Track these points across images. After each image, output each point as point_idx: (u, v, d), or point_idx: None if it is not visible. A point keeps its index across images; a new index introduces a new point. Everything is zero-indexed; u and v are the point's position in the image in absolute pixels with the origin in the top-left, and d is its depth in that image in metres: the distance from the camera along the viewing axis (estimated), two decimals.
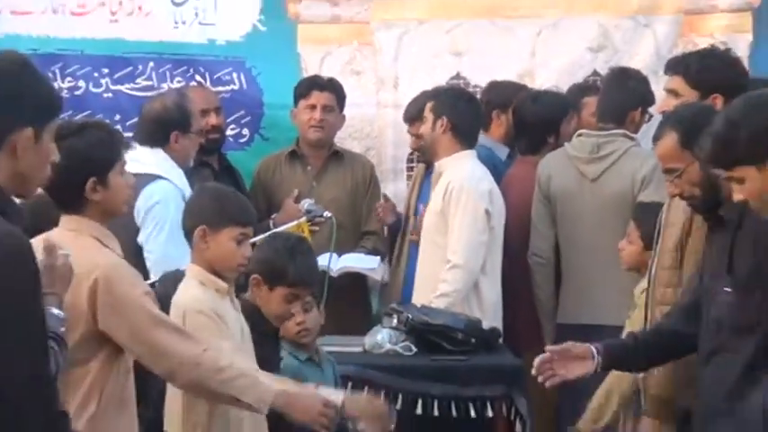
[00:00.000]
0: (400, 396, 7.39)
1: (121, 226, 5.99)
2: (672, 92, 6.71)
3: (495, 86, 9.17)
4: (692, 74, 6.64)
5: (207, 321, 5.81)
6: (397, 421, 6.43)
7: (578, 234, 8.20)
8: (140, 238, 7.11)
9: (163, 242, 7.07)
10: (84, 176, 5.21)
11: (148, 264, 6.97)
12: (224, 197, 6.34)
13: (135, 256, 6.51)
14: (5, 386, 3.69)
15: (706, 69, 6.73)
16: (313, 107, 8.76)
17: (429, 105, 8.31)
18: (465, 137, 8.20)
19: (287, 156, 9.03)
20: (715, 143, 5.00)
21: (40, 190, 4.59)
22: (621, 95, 8.30)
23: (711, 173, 5.25)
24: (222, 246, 5.94)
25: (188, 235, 6.08)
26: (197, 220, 6.00)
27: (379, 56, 9.70)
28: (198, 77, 9.31)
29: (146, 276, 6.45)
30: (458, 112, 8.21)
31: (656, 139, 6.07)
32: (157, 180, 7.38)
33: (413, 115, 8.67)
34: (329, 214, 8.23)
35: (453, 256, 7.98)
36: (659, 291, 6.26)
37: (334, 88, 8.95)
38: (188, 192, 7.27)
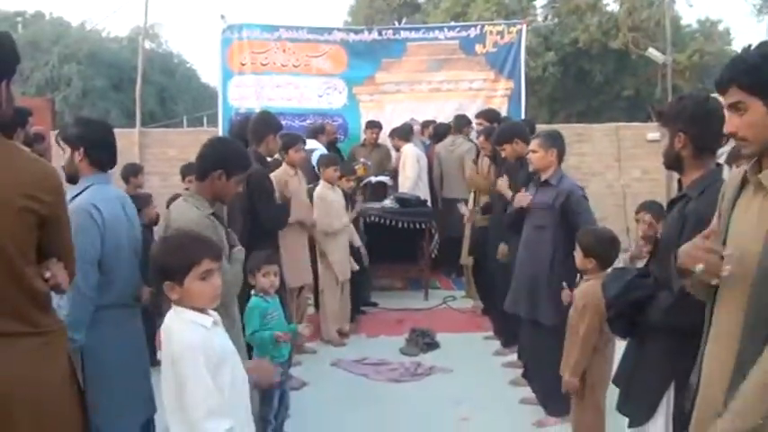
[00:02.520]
0: (391, 220, 7.77)
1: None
2: (480, 123, 7.28)
3: (426, 121, 9.45)
4: (488, 117, 7.25)
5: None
6: (389, 232, 7.57)
7: (448, 170, 8.50)
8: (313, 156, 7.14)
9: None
10: (283, 148, 5.78)
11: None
12: (329, 158, 6.87)
13: None
14: (262, 226, 4.81)
15: (490, 116, 7.33)
16: (373, 132, 9.14)
17: (391, 134, 9.01)
18: (404, 140, 8.66)
19: (361, 145, 9.28)
20: (497, 135, 5.69)
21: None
22: (459, 123, 8.63)
23: (496, 147, 5.80)
24: (329, 174, 6.44)
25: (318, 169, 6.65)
26: (318, 164, 6.73)
27: (385, 113, 9.90)
28: (327, 120, 9.24)
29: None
30: (401, 133, 8.80)
31: (477, 137, 7.06)
32: (315, 150, 7.65)
33: (392, 136, 8.97)
34: (369, 163, 8.65)
35: (408, 175, 8.40)
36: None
37: (380, 126, 9.28)
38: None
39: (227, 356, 2.45)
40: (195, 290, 2.41)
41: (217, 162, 3.26)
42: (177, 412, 2.41)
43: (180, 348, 2.36)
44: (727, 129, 2.08)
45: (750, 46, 2.05)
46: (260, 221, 4.88)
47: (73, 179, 3.18)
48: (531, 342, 4.80)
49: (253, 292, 4.12)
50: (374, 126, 9.29)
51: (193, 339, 2.37)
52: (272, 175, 5.50)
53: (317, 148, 7.90)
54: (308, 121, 9.67)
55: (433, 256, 8.27)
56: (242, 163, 3.36)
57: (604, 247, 3.76)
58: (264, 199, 4.94)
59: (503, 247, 5.52)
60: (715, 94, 2.31)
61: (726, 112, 2.06)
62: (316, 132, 8.36)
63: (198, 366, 2.33)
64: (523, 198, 4.78)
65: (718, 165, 2.73)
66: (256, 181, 4.86)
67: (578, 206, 4.48)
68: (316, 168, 7.03)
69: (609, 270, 2.75)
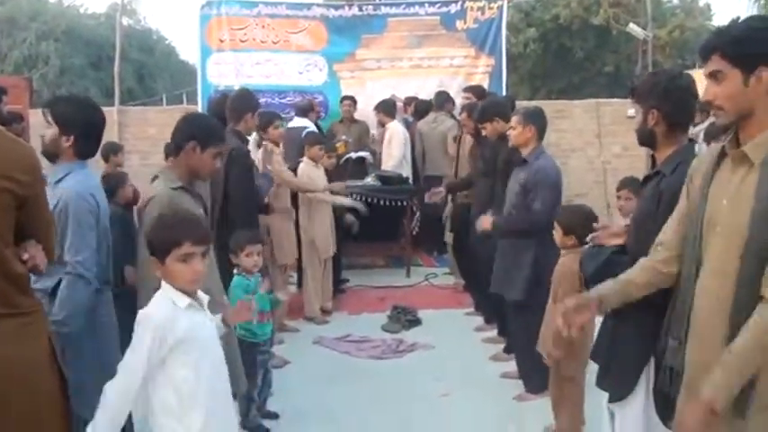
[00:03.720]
0: (374, 198, 7.63)
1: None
2: (467, 98, 7.28)
3: (408, 98, 9.34)
4: (476, 93, 7.32)
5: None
6: (370, 210, 7.34)
7: (430, 147, 8.46)
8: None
9: None
10: (262, 126, 5.77)
11: None
12: (315, 136, 6.99)
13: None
14: (242, 205, 4.75)
15: (478, 92, 7.41)
16: (348, 105, 9.02)
17: (376, 108, 8.63)
18: (390, 116, 8.47)
19: (339, 121, 9.07)
20: (478, 113, 5.61)
21: None
22: (440, 99, 8.59)
23: (477, 124, 5.72)
24: (314, 152, 6.47)
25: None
26: (303, 141, 6.67)
27: (366, 90, 9.81)
28: (308, 97, 9.16)
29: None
30: (386, 108, 8.57)
31: (459, 113, 6.85)
32: (306, 128, 7.63)
33: (377, 110, 8.66)
34: (350, 140, 8.59)
35: (394, 153, 8.28)
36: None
37: (355, 99, 9.17)
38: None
39: (194, 342, 2.42)
40: (174, 271, 2.42)
41: (190, 134, 3.23)
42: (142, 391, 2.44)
43: (138, 317, 2.39)
44: (704, 96, 2.10)
45: (738, 18, 2.11)
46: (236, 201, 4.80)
47: (51, 157, 3.12)
48: (512, 319, 4.84)
49: (235, 270, 4.13)
50: (348, 99, 9.22)
51: (153, 313, 2.38)
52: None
53: (307, 126, 7.87)
54: (288, 99, 9.66)
55: (414, 233, 8.27)
56: (215, 134, 3.32)
57: (583, 225, 3.74)
58: (239, 178, 4.82)
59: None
60: (690, 71, 2.34)
61: (706, 80, 2.09)
62: (305, 110, 8.32)
63: (143, 339, 2.32)
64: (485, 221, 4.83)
65: (691, 141, 2.73)
66: (236, 159, 4.79)
67: (538, 186, 4.46)
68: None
69: (587, 246, 2.76)
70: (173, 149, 3.30)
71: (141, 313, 2.39)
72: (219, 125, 3.54)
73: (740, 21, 2.09)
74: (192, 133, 3.23)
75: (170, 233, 2.44)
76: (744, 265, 2.00)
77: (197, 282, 2.46)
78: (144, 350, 2.31)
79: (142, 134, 10.90)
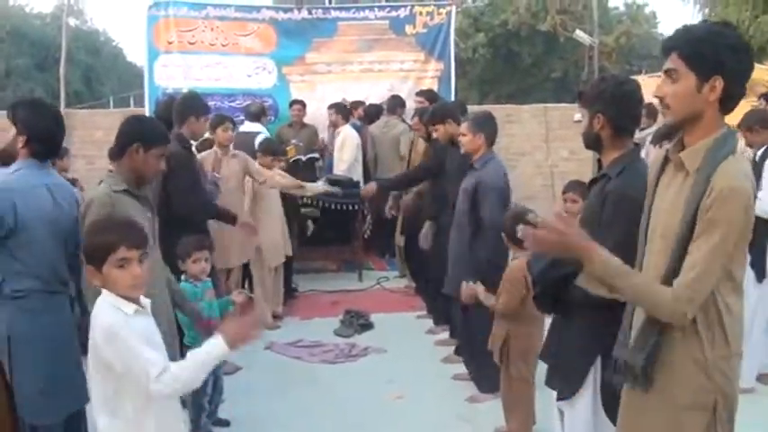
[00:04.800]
0: (324, 202, 7.64)
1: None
2: (420, 102, 7.22)
3: (355, 102, 9.26)
4: (428, 97, 7.22)
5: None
6: (325, 212, 7.47)
7: (381, 151, 8.39)
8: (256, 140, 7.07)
9: None
10: (211, 128, 5.64)
11: None
12: (268, 145, 6.72)
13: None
14: (191, 206, 4.65)
15: (430, 96, 7.34)
16: (299, 110, 8.88)
17: (332, 107, 8.58)
18: (345, 118, 8.42)
19: (288, 125, 8.93)
20: (429, 115, 5.64)
21: None
22: (393, 104, 8.52)
23: (428, 127, 5.71)
24: (266, 162, 6.35)
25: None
26: (257, 148, 6.60)
27: (316, 92, 9.71)
28: (257, 100, 8.88)
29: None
30: (342, 110, 8.53)
31: (411, 118, 6.92)
32: (259, 133, 7.60)
33: (333, 110, 8.56)
34: (301, 143, 8.43)
35: (344, 157, 8.24)
36: None
37: (304, 104, 8.99)
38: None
39: (150, 345, 2.37)
40: (113, 277, 2.34)
41: (132, 136, 3.22)
42: (101, 402, 2.36)
43: (102, 332, 2.30)
44: (656, 92, 2.12)
45: (706, 21, 2.13)
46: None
47: (7, 161, 3.11)
48: (463, 320, 4.85)
49: (183, 276, 4.07)
50: (298, 103, 9.12)
51: (115, 320, 2.30)
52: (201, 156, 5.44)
53: (260, 131, 7.77)
54: (237, 102, 9.54)
55: (366, 237, 8.26)
56: (158, 135, 3.30)
57: (511, 226, 3.82)
58: (180, 182, 4.67)
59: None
60: (635, 77, 2.39)
61: (662, 77, 2.11)
62: (258, 115, 8.21)
63: (130, 338, 2.26)
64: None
65: (636, 145, 2.77)
66: (174, 163, 4.58)
67: (483, 195, 4.51)
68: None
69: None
70: (116, 153, 3.27)
71: (107, 331, 2.29)
72: (161, 125, 3.52)
73: (704, 23, 2.11)
74: (134, 135, 3.21)
75: (103, 239, 2.35)
76: (670, 270, 2.03)
77: (137, 287, 2.38)
78: (143, 346, 2.28)
79: (89, 137, 10.70)
